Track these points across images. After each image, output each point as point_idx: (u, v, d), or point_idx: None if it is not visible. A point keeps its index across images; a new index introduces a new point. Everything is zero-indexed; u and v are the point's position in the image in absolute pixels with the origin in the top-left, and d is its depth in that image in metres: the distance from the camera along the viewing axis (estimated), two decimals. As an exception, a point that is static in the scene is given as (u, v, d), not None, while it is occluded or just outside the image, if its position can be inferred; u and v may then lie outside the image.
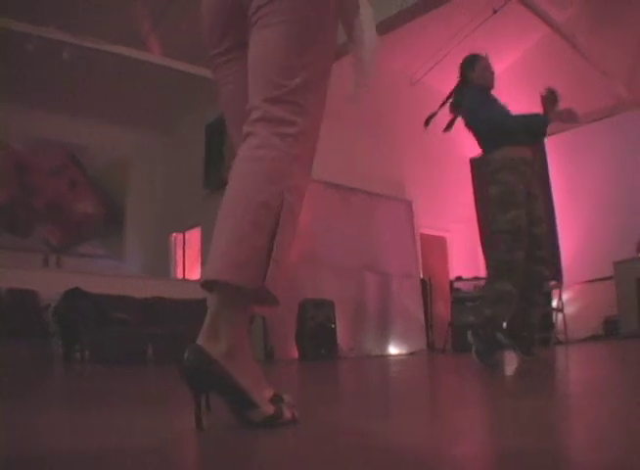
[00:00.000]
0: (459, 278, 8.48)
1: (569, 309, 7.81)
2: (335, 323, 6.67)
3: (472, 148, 9.53)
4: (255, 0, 1.23)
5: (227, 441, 1.07)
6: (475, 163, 9.31)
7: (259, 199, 1.13)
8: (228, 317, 1.12)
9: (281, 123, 1.18)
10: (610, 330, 7.06)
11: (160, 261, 9.19)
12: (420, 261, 8.72)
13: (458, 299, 7.88)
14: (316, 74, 1.23)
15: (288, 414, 1.15)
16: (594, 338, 7.35)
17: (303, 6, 1.21)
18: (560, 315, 7.65)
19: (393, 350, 7.66)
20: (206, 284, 1.13)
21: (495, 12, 7.60)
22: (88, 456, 0.92)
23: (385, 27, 6.66)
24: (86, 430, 1.24)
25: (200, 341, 1.10)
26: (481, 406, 1.57)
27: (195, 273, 8.36)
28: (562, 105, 10.34)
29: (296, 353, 6.48)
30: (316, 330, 6.38)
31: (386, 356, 7.10)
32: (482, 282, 7.88)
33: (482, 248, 9.34)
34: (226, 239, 1.12)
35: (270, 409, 1.13)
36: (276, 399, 1.18)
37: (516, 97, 9.37)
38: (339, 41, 1.33)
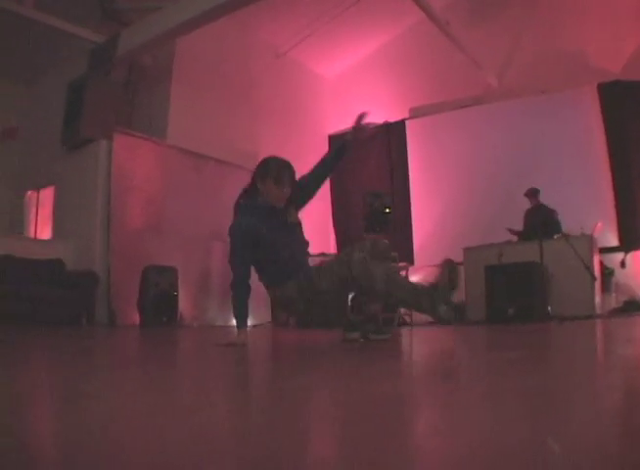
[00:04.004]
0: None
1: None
2: (177, 291, 6.41)
3: (332, 125, 9.65)
4: None
5: None
6: (333, 139, 9.37)
7: None
8: None
9: None
10: (457, 315, 7.11)
11: (15, 219, 8.50)
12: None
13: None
14: None
15: None
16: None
17: None
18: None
19: (237, 321, 7.53)
20: None
21: (370, -8, 7.59)
22: None
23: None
24: None
25: None
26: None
27: (46, 233, 7.74)
28: (432, 90, 10.46)
29: (137, 320, 6.17)
30: (158, 297, 6.10)
31: (229, 327, 6.95)
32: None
33: (334, 225, 9.72)
34: None
35: None
36: None
37: (383, 80, 9.60)
38: None
